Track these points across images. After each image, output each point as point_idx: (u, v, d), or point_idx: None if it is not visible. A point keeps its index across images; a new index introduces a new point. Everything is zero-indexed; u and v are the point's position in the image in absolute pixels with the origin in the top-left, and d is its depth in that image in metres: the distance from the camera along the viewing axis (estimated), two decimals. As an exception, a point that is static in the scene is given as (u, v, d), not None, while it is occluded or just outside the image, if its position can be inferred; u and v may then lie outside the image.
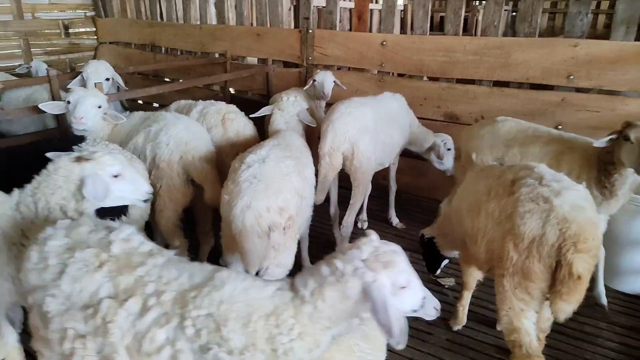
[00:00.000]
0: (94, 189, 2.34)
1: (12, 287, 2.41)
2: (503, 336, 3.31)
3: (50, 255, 1.88)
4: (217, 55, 6.66)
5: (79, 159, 2.40)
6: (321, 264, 1.73)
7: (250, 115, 4.08)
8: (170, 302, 1.66)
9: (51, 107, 3.62)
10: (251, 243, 2.66)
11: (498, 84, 4.79)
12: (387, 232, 4.70)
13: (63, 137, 4.45)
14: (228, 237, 2.85)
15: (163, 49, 7.28)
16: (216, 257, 4.03)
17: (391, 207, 4.79)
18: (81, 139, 3.49)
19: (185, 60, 6.85)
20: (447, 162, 4.55)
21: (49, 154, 2.61)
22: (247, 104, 4.49)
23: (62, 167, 2.40)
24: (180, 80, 6.76)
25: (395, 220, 4.80)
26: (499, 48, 4.60)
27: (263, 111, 3.97)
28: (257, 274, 2.81)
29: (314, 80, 4.93)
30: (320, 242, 4.41)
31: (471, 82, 4.91)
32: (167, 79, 7.23)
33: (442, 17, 11.01)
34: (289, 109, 3.74)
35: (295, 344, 1.60)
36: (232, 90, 6.43)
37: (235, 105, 4.12)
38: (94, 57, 7.88)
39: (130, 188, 2.54)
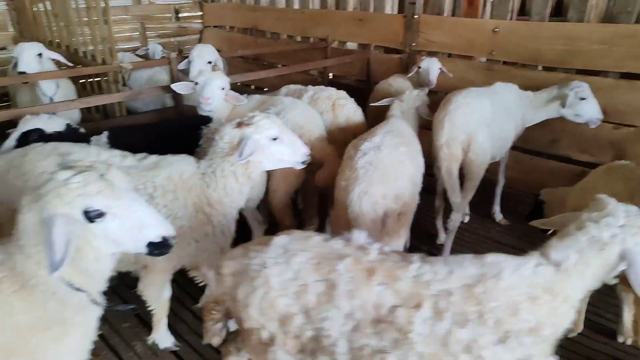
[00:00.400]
0: (243, 151, 2.45)
1: (191, 252, 2.64)
2: (623, 348, 3.14)
3: (302, 274, 1.72)
4: (311, 40, 6.75)
5: (239, 124, 2.56)
6: (573, 233, 1.76)
7: (371, 104, 4.14)
8: (461, 299, 1.62)
9: (180, 88, 3.88)
10: (366, 228, 2.68)
11: (626, 76, 4.38)
12: (489, 228, 4.54)
13: (179, 114, 4.79)
14: (341, 221, 2.92)
15: (265, 33, 7.50)
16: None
17: (496, 202, 4.60)
18: (205, 119, 3.67)
19: (285, 44, 6.99)
20: (586, 113, 3.99)
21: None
22: (345, 90, 4.50)
23: (226, 134, 2.56)
24: (280, 65, 6.97)
25: (499, 216, 4.61)
26: (632, 37, 4.18)
27: (384, 101, 3.99)
28: None
29: (419, 67, 4.84)
30: (419, 231, 4.35)
31: (594, 73, 4.53)
32: (265, 63, 7.43)
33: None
34: (409, 101, 3.74)
35: (567, 314, 1.70)
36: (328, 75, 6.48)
37: (345, 92, 4.15)
38: (199, 41, 8.30)
39: (289, 151, 2.63)
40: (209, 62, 5.05)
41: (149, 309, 2.93)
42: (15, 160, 2.54)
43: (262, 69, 7.00)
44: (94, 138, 3.31)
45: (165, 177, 2.55)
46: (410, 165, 2.99)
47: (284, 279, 1.73)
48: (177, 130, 3.34)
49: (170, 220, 2.37)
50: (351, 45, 6.61)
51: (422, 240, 4.26)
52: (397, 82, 4.70)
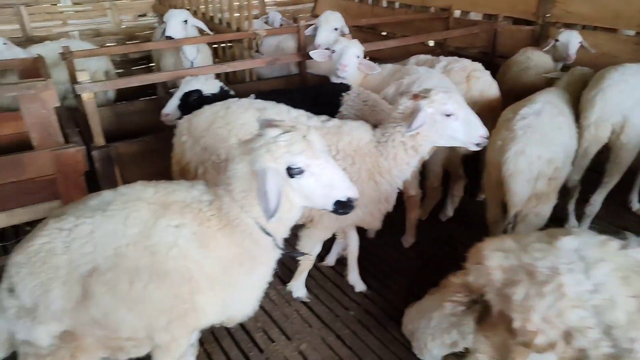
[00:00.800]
0: (412, 122, 2.46)
1: (358, 215, 2.77)
2: None
3: (607, 287, 1.60)
4: (432, 9, 6.54)
5: (415, 96, 2.57)
6: None
7: (545, 74, 4.10)
8: None
9: (318, 55, 4.00)
10: (518, 186, 2.89)
11: None
12: (623, 217, 4.22)
13: (303, 82, 4.96)
14: (492, 182, 3.16)
15: (381, 1, 7.41)
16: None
17: (635, 190, 4.25)
18: (344, 86, 3.71)
19: (404, 14, 6.87)
20: None
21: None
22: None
23: (401, 104, 2.60)
24: (396, 35, 6.88)
25: (636, 206, 4.26)
26: None
27: (554, 74, 3.98)
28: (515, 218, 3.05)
29: (557, 40, 4.54)
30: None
31: None
32: (381, 33, 7.36)
33: None
34: (575, 76, 3.66)
35: None
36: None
37: (480, 64, 4.02)
38: (314, 9, 8.43)
39: (464, 129, 2.57)
40: (335, 29, 5.13)
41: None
42: (220, 111, 2.81)
43: (377, 39, 6.96)
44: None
45: (347, 142, 2.67)
46: (567, 134, 3.09)
47: (581, 290, 1.64)
48: (319, 96, 3.46)
49: None
50: (474, 15, 6.31)
51: (547, 224, 4.08)
52: (536, 55, 4.45)
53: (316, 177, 1.85)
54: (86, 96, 3.32)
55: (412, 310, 2.87)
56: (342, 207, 1.91)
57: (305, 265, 3.16)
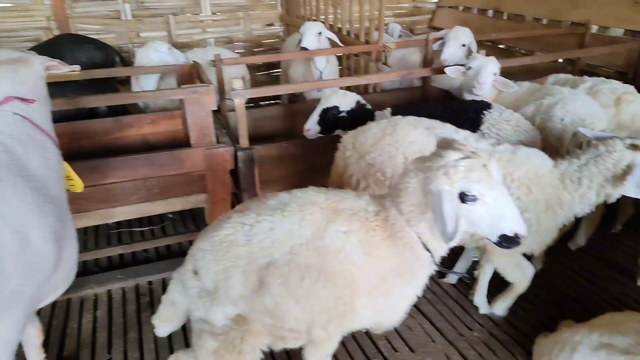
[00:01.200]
0: (638, 180, 2.39)
1: (530, 242, 2.71)
2: None
3: None
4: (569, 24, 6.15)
5: (634, 147, 2.49)
6: None
7: None
8: None
9: (452, 71, 4.01)
10: None
11: None
12: None
13: (425, 95, 4.98)
14: None
15: (503, 14, 7.16)
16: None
17: None
18: (484, 104, 3.56)
19: (531, 28, 6.56)
20: None
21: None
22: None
23: (616, 151, 2.51)
24: (521, 50, 6.59)
25: None
26: None
27: None
28: None
29: None
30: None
31: None
32: (504, 47, 7.11)
33: None
34: None
35: None
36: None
37: (633, 86, 3.75)
38: (431, 20, 8.37)
39: None
40: (463, 45, 5.08)
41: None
42: (387, 129, 2.93)
43: (496, 52, 6.72)
44: (377, 113, 3.68)
45: (523, 171, 2.64)
46: None
47: None
48: (459, 112, 3.45)
49: (520, 212, 2.40)
50: (615, 31, 5.85)
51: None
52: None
53: (488, 208, 1.87)
54: (238, 101, 3.64)
55: (547, 341, 2.74)
56: (507, 241, 1.91)
57: (516, 290, 3.14)
